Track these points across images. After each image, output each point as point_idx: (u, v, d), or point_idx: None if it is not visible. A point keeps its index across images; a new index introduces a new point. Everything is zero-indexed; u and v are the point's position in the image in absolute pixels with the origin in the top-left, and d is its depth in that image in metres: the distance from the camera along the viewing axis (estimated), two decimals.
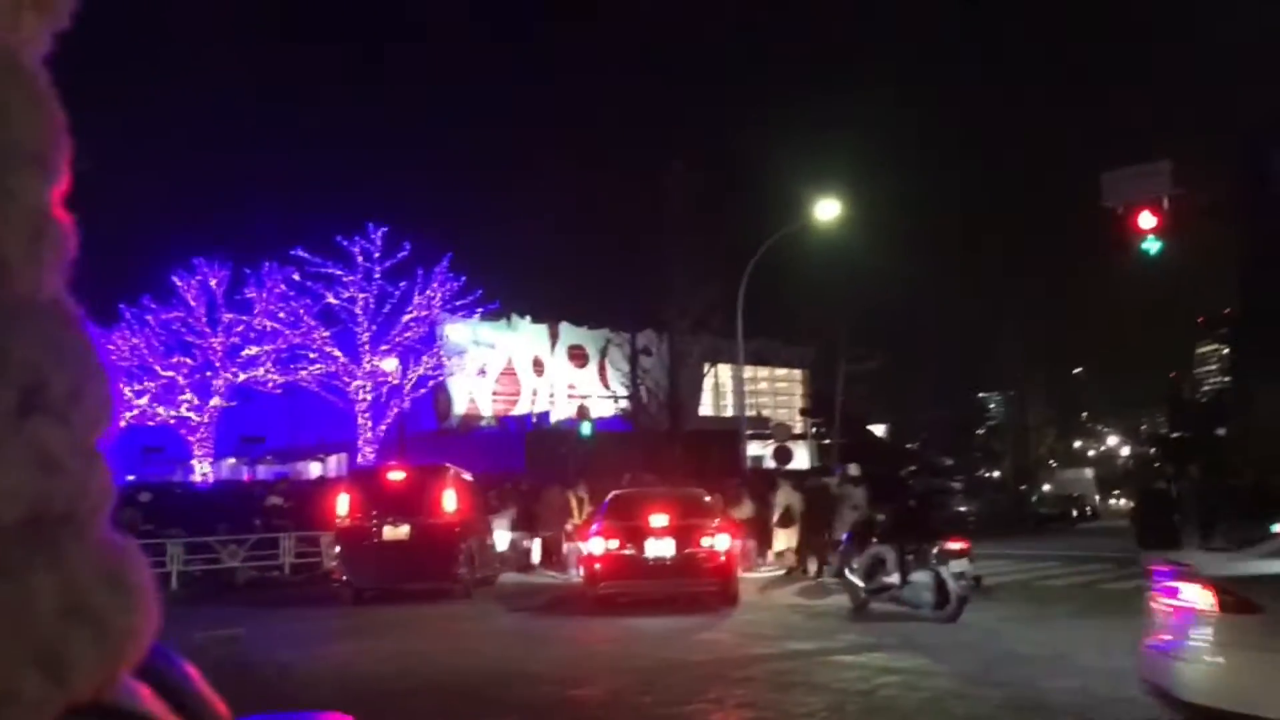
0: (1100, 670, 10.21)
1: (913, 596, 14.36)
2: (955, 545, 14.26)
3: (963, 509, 23.10)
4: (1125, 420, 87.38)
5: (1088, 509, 55.51)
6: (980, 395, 67.69)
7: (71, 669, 0.45)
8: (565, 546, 22.07)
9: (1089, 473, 66.82)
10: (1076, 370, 74.54)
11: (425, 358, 39.38)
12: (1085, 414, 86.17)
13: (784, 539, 21.56)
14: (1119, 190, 18.71)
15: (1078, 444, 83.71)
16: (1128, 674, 10.02)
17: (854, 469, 22.00)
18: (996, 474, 59.72)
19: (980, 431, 66.32)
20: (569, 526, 22.07)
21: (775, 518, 21.67)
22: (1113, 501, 70.90)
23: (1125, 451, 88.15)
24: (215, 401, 39.32)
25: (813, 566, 20.51)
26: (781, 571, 21.25)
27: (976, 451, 64.02)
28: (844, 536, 17.26)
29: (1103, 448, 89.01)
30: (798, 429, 45.55)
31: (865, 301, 41.87)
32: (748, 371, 34.29)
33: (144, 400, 39.24)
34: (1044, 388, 61.33)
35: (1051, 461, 65.33)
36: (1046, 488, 58.67)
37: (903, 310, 51.34)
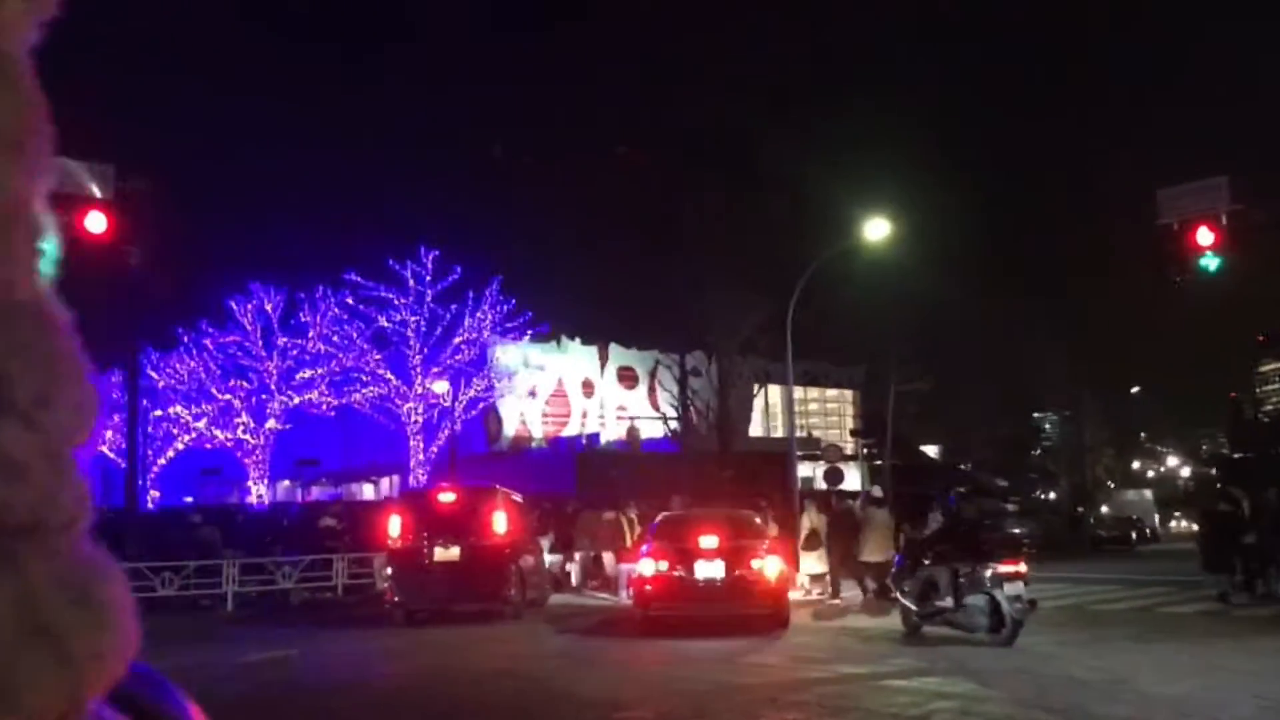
0: (1162, 697, 10.00)
1: (967, 620, 14.16)
2: (1010, 568, 14.04)
3: (1017, 531, 22.71)
4: (1185, 440, 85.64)
5: (1147, 531, 54.40)
6: (1035, 415, 66.64)
7: (25, 692, 0.42)
8: (617, 568, 22.06)
9: (1148, 494, 65.53)
10: (1134, 389, 73.11)
11: (476, 380, 39.69)
12: (1144, 434, 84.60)
13: (810, 562, 21.27)
14: (1175, 206, 18.46)
15: (1136, 465, 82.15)
16: (1191, 699, 9.82)
17: (877, 491, 21.77)
18: (1052, 495, 58.75)
19: (1035, 452, 65.25)
20: (628, 544, 22.06)
21: (800, 540, 21.47)
22: (1173, 524, 69.39)
23: (1185, 472, 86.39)
24: (271, 424, 39.90)
25: (850, 591, 20.25)
26: (808, 595, 20.94)
27: (1031, 472, 63.00)
28: (896, 559, 17.06)
29: (1162, 468, 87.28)
30: (849, 450, 45.22)
31: (916, 320, 41.47)
32: (798, 392, 34.13)
33: (202, 423, 39.96)
34: (1101, 408, 60.30)
35: (1109, 482, 64.18)
36: (1104, 509, 57.60)
37: (954, 329, 50.74)
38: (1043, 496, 59.69)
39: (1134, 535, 51.07)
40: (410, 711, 10.15)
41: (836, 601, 20.07)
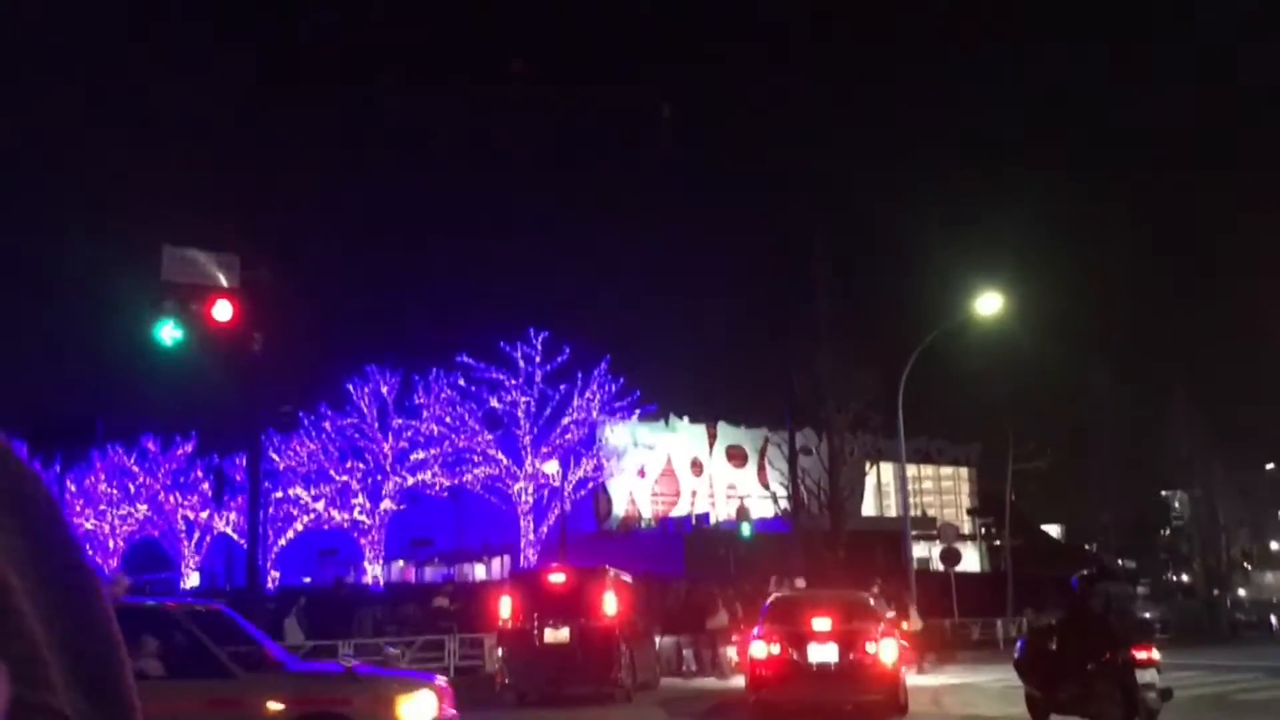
0: None
1: (1097, 709, 13.49)
2: (1142, 654, 13.37)
3: (1148, 615, 21.75)
4: None
5: None
6: (1164, 493, 63.90)
7: None
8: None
9: None
10: (1269, 465, 69.60)
11: (585, 459, 39.89)
12: None
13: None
14: None
15: (1275, 544, 77.89)
16: None
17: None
18: (1185, 577, 56.00)
19: (1165, 532, 62.45)
20: None
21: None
22: None
23: None
24: (386, 504, 40.63)
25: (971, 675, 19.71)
26: None
27: (1162, 553, 60.23)
28: (1019, 644, 16.42)
29: None
30: (965, 529, 43.99)
31: (1033, 394, 40.45)
32: (911, 470, 33.44)
33: (320, 504, 40.92)
34: (1234, 484, 57.52)
35: (1245, 564, 60.90)
36: (1242, 592, 54.62)
37: (1075, 404, 49.27)
38: (1174, 579, 56.98)
39: (1274, 620, 48.29)
40: None
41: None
